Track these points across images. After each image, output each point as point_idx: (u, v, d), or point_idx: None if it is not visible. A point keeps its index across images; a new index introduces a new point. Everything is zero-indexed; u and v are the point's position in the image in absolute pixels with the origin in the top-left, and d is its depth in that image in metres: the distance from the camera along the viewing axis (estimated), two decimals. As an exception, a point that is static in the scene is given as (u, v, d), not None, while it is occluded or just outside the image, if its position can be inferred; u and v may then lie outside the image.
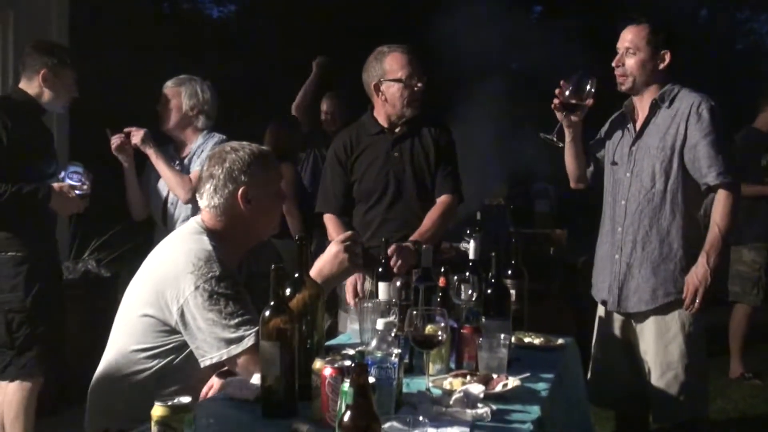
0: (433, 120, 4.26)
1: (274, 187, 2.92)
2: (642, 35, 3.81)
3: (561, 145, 3.99)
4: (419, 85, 4.08)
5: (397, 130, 4.18)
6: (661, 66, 3.81)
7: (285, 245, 4.95)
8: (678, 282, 3.76)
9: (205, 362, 2.64)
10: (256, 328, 2.48)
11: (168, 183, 4.59)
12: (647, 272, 3.83)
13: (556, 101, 3.89)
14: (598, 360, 4.09)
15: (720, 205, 3.68)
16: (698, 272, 3.68)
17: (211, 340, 2.61)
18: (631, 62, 3.82)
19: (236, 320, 2.61)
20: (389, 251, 3.64)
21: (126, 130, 4.62)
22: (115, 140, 4.62)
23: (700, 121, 3.70)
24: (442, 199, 4.15)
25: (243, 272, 3.03)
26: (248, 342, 2.58)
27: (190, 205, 4.54)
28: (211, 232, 2.84)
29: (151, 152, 4.60)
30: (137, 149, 4.63)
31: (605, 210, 4.06)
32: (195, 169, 4.56)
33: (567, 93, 3.86)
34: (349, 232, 2.93)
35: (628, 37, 3.84)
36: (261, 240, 3.02)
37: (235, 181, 2.82)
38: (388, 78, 4.09)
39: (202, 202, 2.90)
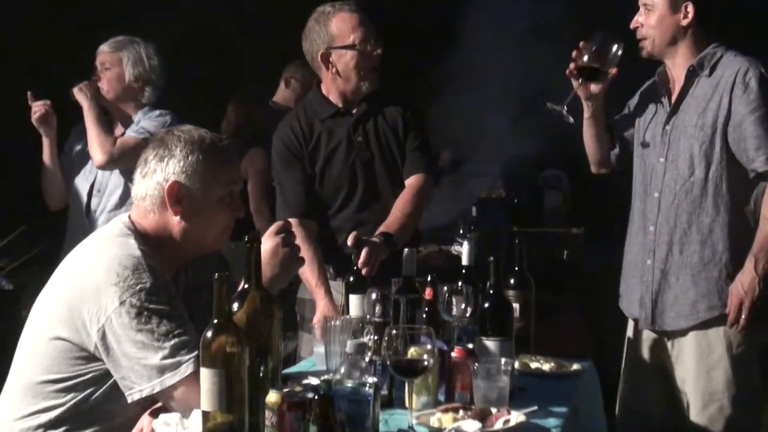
0: (397, 93, 4.26)
1: (218, 190, 2.87)
2: None
3: (571, 120, 3.98)
4: (378, 51, 4.05)
5: (354, 110, 4.15)
6: (685, 22, 3.82)
7: (238, 249, 4.92)
8: (724, 293, 3.77)
9: (133, 396, 2.63)
10: (196, 352, 2.47)
11: (89, 141, 4.62)
12: (686, 281, 3.84)
13: (572, 66, 3.91)
14: (626, 391, 4.11)
15: (771, 197, 3.70)
16: (744, 280, 3.69)
17: (140, 368, 2.60)
18: (649, 20, 3.86)
19: (171, 342, 2.61)
20: (361, 258, 3.63)
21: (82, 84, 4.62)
22: (39, 108, 4.61)
23: (747, 92, 3.71)
24: (411, 181, 4.13)
25: (180, 283, 3.02)
26: (187, 369, 2.58)
27: (119, 193, 4.55)
28: (140, 235, 2.83)
29: (85, 102, 4.61)
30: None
31: (634, 204, 4.08)
32: (127, 134, 4.60)
33: (586, 57, 3.88)
34: (280, 222, 2.92)
35: None
36: (200, 253, 3.00)
37: (165, 170, 2.81)
38: (337, 45, 4.03)
39: (132, 191, 2.92)
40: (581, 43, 3.90)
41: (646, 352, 4.03)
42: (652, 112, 4.03)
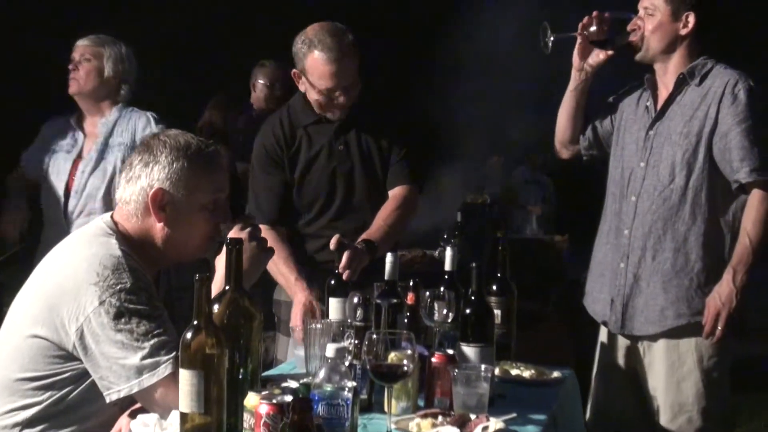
0: (383, 101, 4.25)
1: (202, 198, 2.85)
2: None
3: (548, 51, 4.01)
4: (341, 99, 3.98)
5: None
6: (684, 31, 3.84)
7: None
8: (693, 302, 3.79)
9: (111, 396, 2.63)
10: (176, 352, 2.47)
11: None
12: (656, 287, 3.85)
13: (586, 19, 3.95)
14: (599, 396, 4.12)
15: (753, 208, 3.70)
16: (722, 292, 3.70)
17: (119, 368, 2.60)
18: (647, 25, 3.87)
19: (151, 342, 2.61)
20: (342, 261, 3.62)
21: None
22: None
23: (736, 104, 3.73)
24: (395, 192, 4.12)
25: (161, 285, 3.02)
26: (165, 370, 2.58)
27: (99, 196, 4.55)
28: (122, 235, 2.83)
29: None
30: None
31: (608, 204, 4.09)
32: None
33: (605, 23, 3.92)
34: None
35: None
36: (182, 260, 2.99)
37: (150, 176, 2.80)
38: (308, 78, 3.99)
39: (117, 194, 2.91)
40: (608, 13, 3.94)
41: (618, 358, 4.04)
42: (635, 115, 4.04)
